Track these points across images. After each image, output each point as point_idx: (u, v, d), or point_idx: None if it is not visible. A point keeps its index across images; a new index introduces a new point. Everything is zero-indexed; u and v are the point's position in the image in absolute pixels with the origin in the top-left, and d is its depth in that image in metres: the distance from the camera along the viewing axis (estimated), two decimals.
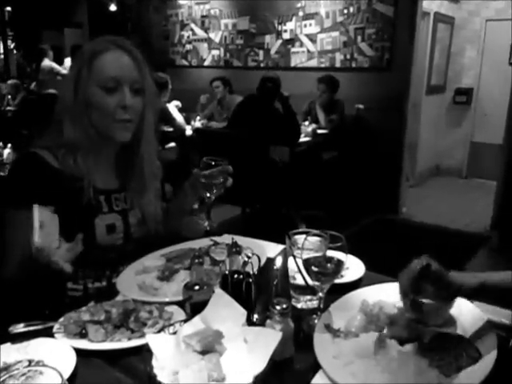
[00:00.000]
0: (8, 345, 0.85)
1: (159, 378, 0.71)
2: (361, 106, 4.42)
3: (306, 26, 4.80)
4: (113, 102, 1.12)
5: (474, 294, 0.88)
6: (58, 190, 1.11)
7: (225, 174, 1.18)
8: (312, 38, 4.78)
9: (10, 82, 6.09)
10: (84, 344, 0.85)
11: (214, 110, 4.93)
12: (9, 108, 5.66)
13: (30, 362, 0.80)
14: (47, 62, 6.16)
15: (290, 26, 4.90)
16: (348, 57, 4.57)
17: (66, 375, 0.72)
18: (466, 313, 0.90)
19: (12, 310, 1.07)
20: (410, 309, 0.88)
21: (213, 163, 1.18)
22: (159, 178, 1.33)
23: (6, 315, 1.02)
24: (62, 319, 0.91)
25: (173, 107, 4.25)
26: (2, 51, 7.81)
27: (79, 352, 0.82)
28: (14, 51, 7.77)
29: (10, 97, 5.82)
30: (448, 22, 5.59)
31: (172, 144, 4.13)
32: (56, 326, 0.89)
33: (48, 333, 0.88)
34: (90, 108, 1.14)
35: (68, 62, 6.37)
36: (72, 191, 1.13)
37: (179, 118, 4.22)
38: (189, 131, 4.39)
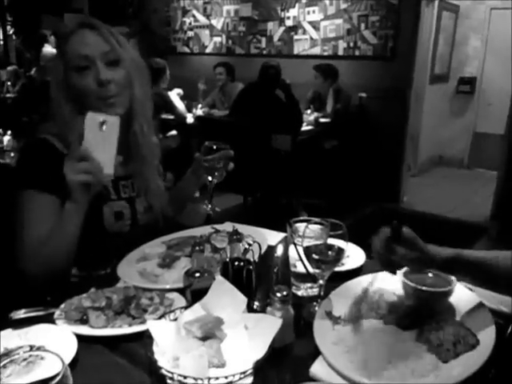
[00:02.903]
0: (9, 330, 0.85)
1: (160, 364, 0.71)
2: (363, 95, 4.39)
3: (309, 12, 4.75)
4: (89, 80, 1.11)
5: (448, 263, 0.87)
6: (65, 177, 1.11)
7: (226, 158, 1.18)
8: (315, 26, 4.73)
9: (9, 68, 6.05)
10: (85, 330, 0.85)
11: (215, 97, 4.89)
12: (8, 95, 5.63)
13: (31, 347, 0.80)
14: (48, 48, 6.10)
15: (293, 12, 4.85)
16: (351, 45, 4.53)
17: (68, 360, 0.73)
18: (465, 300, 0.91)
19: (13, 296, 1.07)
20: (384, 264, 0.90)
21: (214, 147, 1.18)
22: (158, 156, 1.30)
23: (8, 301, 1.03)
24: (62, 305, 0.91)
25: (174, 95, 4.22)
26: (1, 37, 7.74)
27: (80, 338, 0.82)
28: (14, 37, 7.69)
29: (9, 83, 5.78)
30: (452, 10, 5.51)
31: (173, 132, 4.11)
32: (57, 313, 0.90)
33: (49, 319, 0.88)
34: (74, 94, 1.12)
35: None
36: None
37: (180, 105, 4.19)
38: (190, 119, 4.37)
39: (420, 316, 0.86)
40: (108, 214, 1.18)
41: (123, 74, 1.14)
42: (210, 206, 1.24)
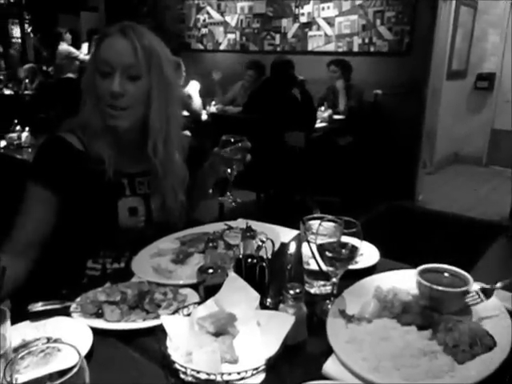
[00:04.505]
0: (27, 322, 0.87)
1: (173, 358, 0.72)
2: (379, 92, 4.34)
3: (323, 9, 4.70)
4: (104, 86, 1.12)
5: None
6: (80, 172, 1.14)
7: (244, 150, 1.18)
8: (330, 22, 4.69)
9: (26, 66, 6.15)
10: (100, 323, 0.87)
11: (237, 92, 4.83)
12: (26, 92, 5.73)
13: (48, 339, 0.82)
14: (64, 47, 6.18)
15: (307, 9, 4.81)
16: (366, 41, 4.48)
17: (84, 353, 0.74)
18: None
19: (31, 289, 1.10)
20: None
21: (232, 140, 1.18)
22: (180, 176, 1.27)
23: (26, 294, 1.05)
24: (78, 299, 0.93)
25: (195, 87, 4.16)
26: (19, 35, 7.87)
27: (95, 331, 0.83)
28: (31, 35, 7.82)
29: (27, 81, 5.88)
30: (471, 5, 5.41)
31: (186, 132, 4.09)
32: (73, 306, 0.91)
33: (65, 312, 0.90)
34: (96, 94, 1.14)
35: (85, 47, 6.39)
36: (95, 173, 1.15)
37: (198, 100, 4.13)
38: (204, 116, 4.37)
39: (435, 316, 0.85)
40: (122, 209, 1.19)
41: (142, 89, 1.13)
42: (231, 198, 1.24)
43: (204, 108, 4.53)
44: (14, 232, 1.11)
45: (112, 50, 1.12)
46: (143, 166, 1.24)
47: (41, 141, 1.22)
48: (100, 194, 1.16)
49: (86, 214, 1.15)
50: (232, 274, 0.87)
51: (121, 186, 1.20)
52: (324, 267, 0.92)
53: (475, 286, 0.90)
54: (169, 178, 1.24)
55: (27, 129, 3.26)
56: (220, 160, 1.20)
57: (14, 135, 3.22)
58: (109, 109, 1.13)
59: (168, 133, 1.20)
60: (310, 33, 4.85)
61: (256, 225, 1.16)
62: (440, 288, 0.87)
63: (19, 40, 7.95)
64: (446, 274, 0.92)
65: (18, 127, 3.30)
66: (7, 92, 5.75)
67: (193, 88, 4.15)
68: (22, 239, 1.11)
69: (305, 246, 0.95)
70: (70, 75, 5.78)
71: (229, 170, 1.20)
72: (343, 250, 0.90)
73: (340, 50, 4.66)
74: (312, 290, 0.99)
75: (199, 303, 0.86)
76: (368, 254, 1.14)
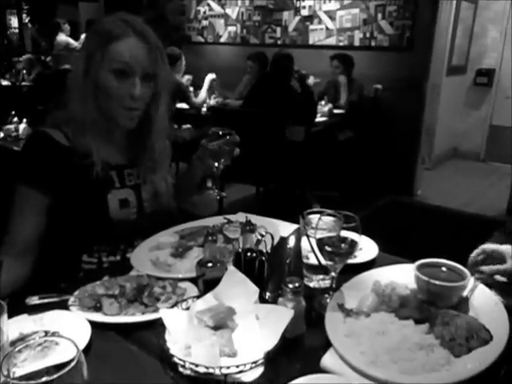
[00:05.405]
0: (25, 316, 0.86)
1: (172, 352, 0.72)
2: (379, 86, 4.33)
3: (325, 2, 4.68)
4: (123, 89, 1.11)
5: None
6: (68, 168, 1.13)
7: (232, 144, 1.18)
8: (331, 15, 4.66)
9: (24, 57, 6.10)
10: (99, 317, 0.87)
11: (246, 86, 4.81)
12: (24, 83, 5.68)
13: (46, 332, 0.81)
14: (63, 37, 6.14)
15: (308, 2, 4.78)
16: (367, 35, 4.46)
17: (82, 346, 0.74)
18: (479, 295, 0.90)
19: (29, 282, 1.09)
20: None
21: (220, 133, 1.18)
22: (169, 157, 1.33)
23: (23, 287, 1.05)
24: (77, 292, 0.93)
25: (208, 79, 4.18)
26: (16, 25, 7.80)
27: (94, 324, 0.83)
28: (29, 25, 7.74)
29: (25, 72, 5.83)
30: (472, 1, 5.38)
31: (188, 125, 4.09)
32: (71, 299, 0.91)
33: (63, 305, 0.90)
34: (99, 90, 1.12)
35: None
36: (82, 168, 1.13)
37: (203, 94, 4.16)
38: (204, 109, 4.35)
39: (432, 310, 0.85)
40: (113, 202, 1.18)
41: (153, 90, 1.16)
42: (216, 191, 1.24)
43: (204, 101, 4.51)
44: (10, 234, 1.10)
45: (132, 52, 1.10)
46: (131, 156, 1.24)
47: None
48: (89, 189, 1.15)
49: (76, 210, 1.14)
50: (231, 268, 0.87)
51: (109, 178, 1.19)
52: (323, 261, 0.93)
53: (472, 281, 0.90)
54: (161, 163, 1.26)
55: (25, 120, 3.24)
56: (208, 152, 1.20)
57: (12, 127, 3.20)
58: (120, 109, 1.13)
59: (165, 124, 1.23)
60: (311, 26, 4.83)
61: (255, 219, 1.16)
62: (437, 282, 0.87)
63: (17, 30, 7.88)
64: (443, 269, 0.93)
65: (15, 119, 3.28)
66: (4, 83, 5.71)
67: (206, 80, 4.15)
68: (19, 241, 1.10)
69: (304, 240, 0.96)
70: (68, 66, 5.74)
71: (216, 164, 1.20)
72: (342, 245, 0.91)
73: (341, 44, 4.64)
74: (311, 284, 0.99)
75: (198, 297, 0.86)
76: (367, 248, 1.14)
